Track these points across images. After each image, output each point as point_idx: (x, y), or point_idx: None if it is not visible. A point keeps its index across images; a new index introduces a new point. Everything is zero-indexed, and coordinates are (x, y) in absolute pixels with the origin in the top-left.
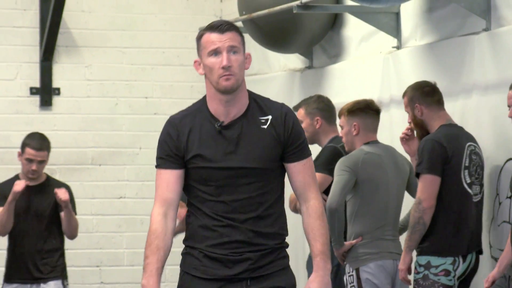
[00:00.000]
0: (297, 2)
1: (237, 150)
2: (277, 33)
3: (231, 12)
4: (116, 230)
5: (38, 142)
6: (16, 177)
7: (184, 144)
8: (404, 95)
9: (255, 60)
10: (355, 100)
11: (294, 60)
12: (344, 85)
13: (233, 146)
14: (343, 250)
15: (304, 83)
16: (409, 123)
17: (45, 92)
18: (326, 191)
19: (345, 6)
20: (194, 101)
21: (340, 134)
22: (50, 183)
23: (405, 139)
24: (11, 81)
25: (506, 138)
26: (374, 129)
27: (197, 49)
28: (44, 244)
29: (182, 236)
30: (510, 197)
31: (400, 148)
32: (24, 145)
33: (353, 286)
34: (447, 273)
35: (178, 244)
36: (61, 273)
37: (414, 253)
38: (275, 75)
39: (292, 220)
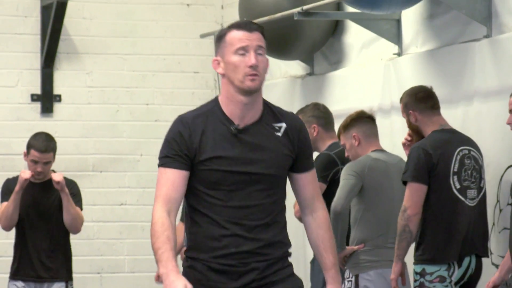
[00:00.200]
0: (298, 9)
1: (253, 155)
2: (278, 40)
3: (232, 19)
4: (117, 237)
5: (43, 144)
6: None
7: (196, 145)
8: (400, 100)
9: None
10: (347, 116)
11: (295, 67)
12: (345, 92)
13: (248, 150)
14: (344, 254)
15: (305, 90)
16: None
17: (46, 99)
18: None
19: (346, 13)
20: (195, 108)
21: (346, 154)
22: None
23: (407, 145)
24: (12, 88)
25: (507, 145)
26: (375, 135)
27: (217, 47)
28: (50, 242)
29: None
30: (511, 204)
31: (401, 154)
32: (29, 146)
33: None
34: (442, 279)
35: None
36: (65, 275)
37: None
38: (276, 82)
39: (294, 227)
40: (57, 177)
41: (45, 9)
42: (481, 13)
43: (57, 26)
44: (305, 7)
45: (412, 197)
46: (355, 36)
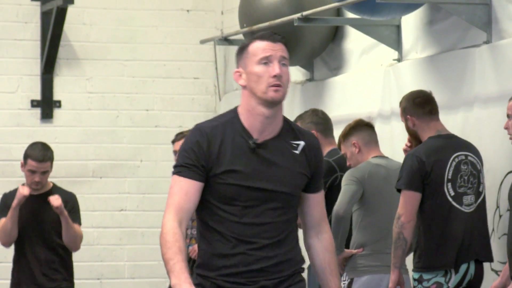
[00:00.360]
0: (298, 15)
1: (270, 172)
2: None
3: (232, 25)
4: (117, 242)
5: (40, 153)
6: None
7: (214, 156)
8: (399, 105)
9: None
10: (346, 125)
11: (295, 73)
12: (345, 97)
13: (266, 166)
14: (342, 257)
15: (305, 95)
16: None
17: (46, 105)
18: None
19: (346, 19)
20: (195, 113)
21: (348, 163)
22: (55, 192)
23: (408, 151)
24: (12, 93)
25: (507, 151)
26: (375, 142)
27: (239, 59)
28: (50, 254)
29: None
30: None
31: (402, 160)
32: (26, 156)
33: None
34: (439, 285)
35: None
36: (67, 285)
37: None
38: None
39: None
40: (55, 202)
41: (45, 15)
42: (481, 19)
43: (57, 32)
44: (305, 13)
45: (405, 204)
46: (355, 42)
